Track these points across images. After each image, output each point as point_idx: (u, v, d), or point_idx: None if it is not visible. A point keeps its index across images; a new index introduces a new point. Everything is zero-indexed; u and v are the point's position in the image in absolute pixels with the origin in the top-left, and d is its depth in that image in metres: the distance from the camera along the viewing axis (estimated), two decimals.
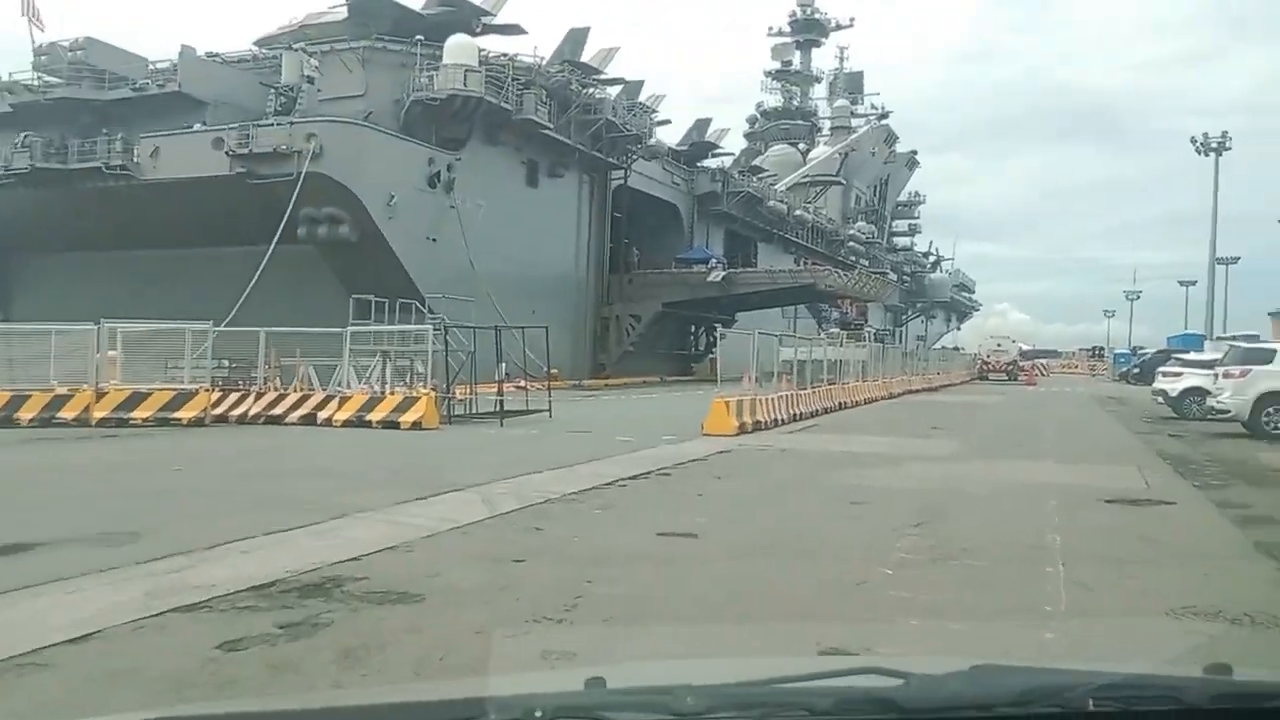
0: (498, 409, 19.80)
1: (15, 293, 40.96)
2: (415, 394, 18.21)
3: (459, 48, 37.11)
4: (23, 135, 35.10)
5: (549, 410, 20.31)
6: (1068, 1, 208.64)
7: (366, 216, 34.49)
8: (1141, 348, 74.11)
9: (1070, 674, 1.73)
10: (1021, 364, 57.47)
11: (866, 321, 59.81)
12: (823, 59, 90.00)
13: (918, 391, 36.29)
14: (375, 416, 17.98)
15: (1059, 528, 8.48)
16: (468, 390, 20.52)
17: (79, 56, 36.08)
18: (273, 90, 35.29)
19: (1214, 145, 61.40)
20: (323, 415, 18.42)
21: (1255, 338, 34.90)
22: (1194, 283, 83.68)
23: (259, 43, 40.89)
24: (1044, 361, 67.32)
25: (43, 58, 36.23)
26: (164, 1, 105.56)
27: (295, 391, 19.48)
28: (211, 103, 36.61)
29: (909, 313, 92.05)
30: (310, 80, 35.19)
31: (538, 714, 1.44)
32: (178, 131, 34.99)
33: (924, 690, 1.57)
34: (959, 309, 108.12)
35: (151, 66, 37.86)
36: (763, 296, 47.30)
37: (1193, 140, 62.12)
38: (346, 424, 18.05)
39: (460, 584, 6.17)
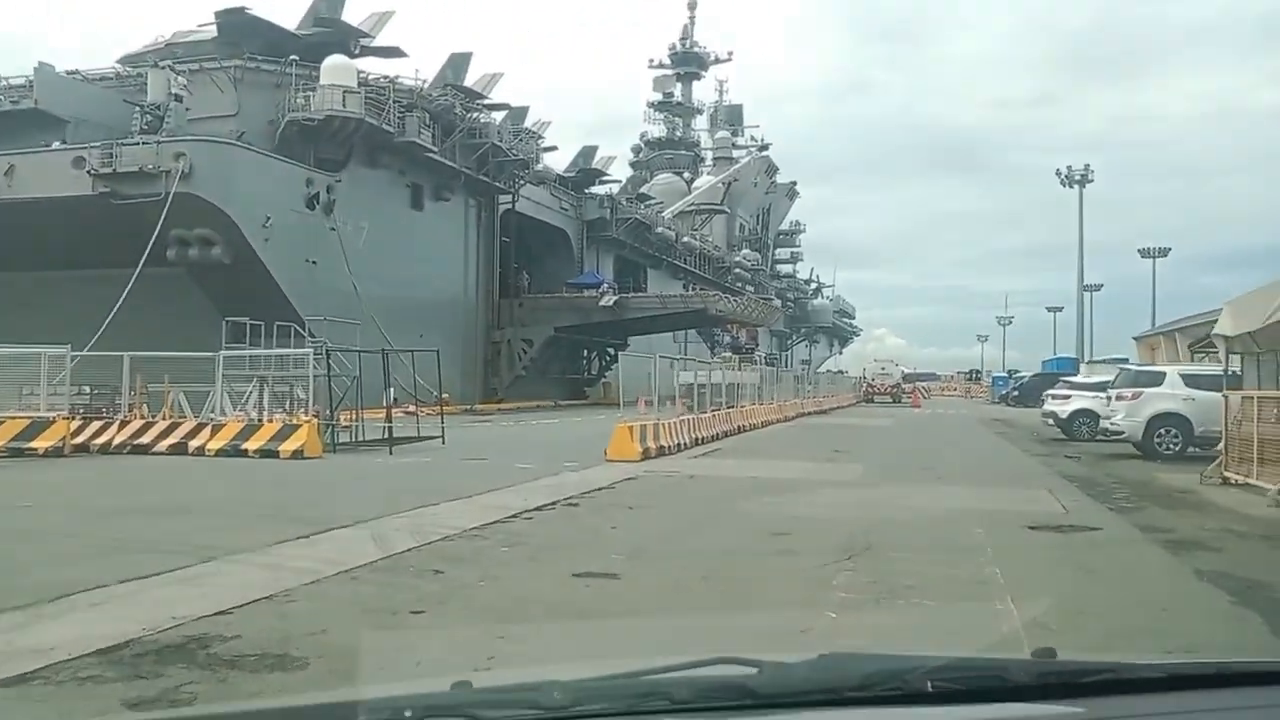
0: (386, 436, 18.57)
1: None
2: (295, 421, 16.85)
3: (336, 68, 35.69)
4: None
5: (442, 436, 19.15)
6: (937, 39, 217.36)
7: (241, 238, 32.65)
8: (1017, 371, 76.75)
9: (909, 659, 1.75)
10: (904, 386, 58.59)
11: (757, 346, 60.08)
12: (703, 91, 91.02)
13: (810, 414, 36.25)
14: (252, 445, 16.56)
15: (993, 559, 7.95)
16: (353, 417, 19.23)
17: None
18: (138, 109, 33.18)
19: (1077, 178, 64.46)
20: (194, 444, 16.88)
21: (1124, 360, 36.18)
22: (1061, 309, 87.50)
23: (123, 61, 38.55)
24: (924, 384, 68.87)
25: None
26: (22, 20, 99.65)
27: (164, 419, 17.87)
28: (72, 121, 34.26)
29: (793, 338, 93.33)
30: (178, 98, 33.21)
31: (407, 714, 1.45)
32: (35, 150, 32.54)
33: (776, 677, 1.65)
34: (840, 334, 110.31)
35: (4, 83, 35.19)
36: (654, 321, 46.87)
37: (1058, 173, 64.70)
38: (220, 453, 16.58)
39: (349, 644, 5.19)
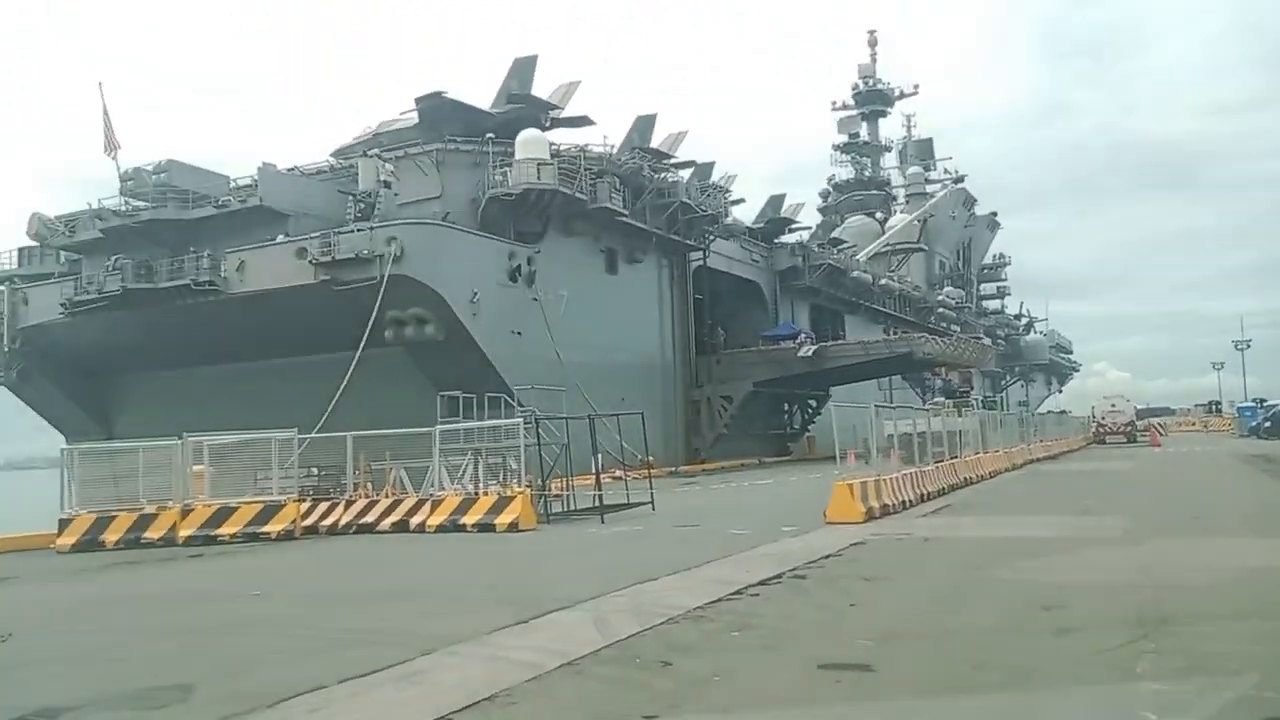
0: (596, 504, 18.24)
1: (116, 413, 41.16)
2: (510, 493, 16.77)
3: (530, 142, 36.77)
4: (113, 258, 35.50)
5: (651, 502, 18.64)
6: (1128, 54, 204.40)
7: (451, 315, 33.85)
8: (1266, 400, 69.45)
9: None
10: (1138, 424, 53.89)
11: (972, 389, 56.98)
12: (890, 128, 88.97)
13: (1039, 460, 33.64)
14: (469, 519, 16.58)
15: None
16: (563, 485, 19.05)
17: (163, 179, 36.57)
18: (351, 198, 35.20)
19: None
20: (415, 520, 17.09)
21: None
22: None
23: (335, 154, 41.24)
24: (1159, 420, 63.24)
25: (129, 183, 36.83)
26: (242, 124, 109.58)
27: (386, 497, 18.23)
28: (292, 214, 36.71)
29: (1007, 378, 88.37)
30: (387, 185, 35.04)
31: None
32: (262, 244, 35.05)
33: None
34: (1058, 371, 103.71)
35: (233, 184, 38.26)
36: (856, 369, 45.26)
37: None
38: (440, 529, 16.68)
39: None
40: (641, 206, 42.01)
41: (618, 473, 36.66)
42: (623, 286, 42.08)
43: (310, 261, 33.57)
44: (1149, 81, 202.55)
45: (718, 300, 50.46)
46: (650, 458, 40.47)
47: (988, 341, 68.31)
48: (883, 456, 19.11)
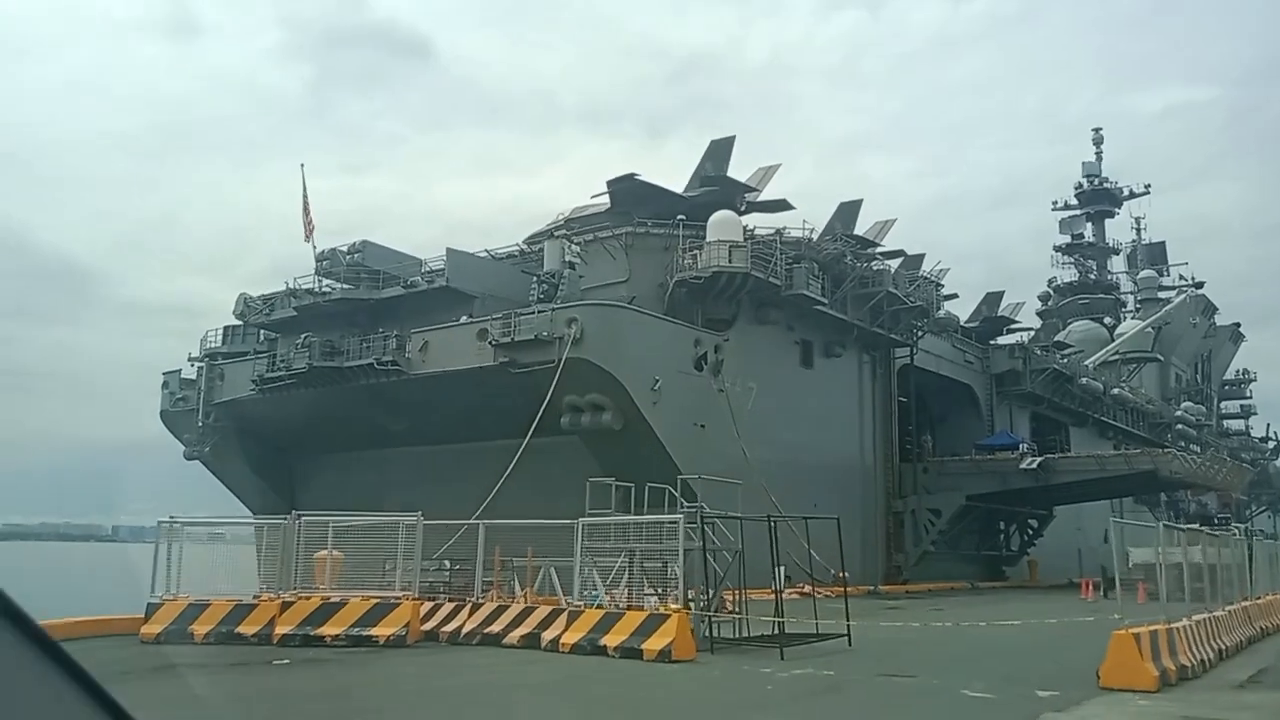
0: (775, 631, 14.26)
1: (301, 491, 40.51)
2: (664, 609, 13.09)
3: (722, 223, 33.94)
4: (303, 336, 34.98)
5: (847, 634, 14.43)
6: None
7: (630, 402, 31.00)
8: None
9: None
10: None
11: (1234, 515, 48.68)
12: (1116, 230, 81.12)
13: None
14: (612, 641, 12.99)
15: None
16: (734, 599, 15.20)
17: (356, 259, 36.12)
18: (535, 279, 33.34)
19: None
20: (548, 636, 13.67)
21: None
22: None
23: (528, 241, 39.91)
24: None
25: (324, 263, 36.57)
26: (445, 217, 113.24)
27: (520, 601, 14.96)
28: (479, 296, 35.27)
29: (1253, 506, 76.78)
30: (571, 266, 33.01)
31: None
32: (445, 325, 33.61)
33: None
34: None
35: (426, 267, 37.39)
36: (1088, 486, 38.94)
37: None
38: (576, 648, 13.17)
39: None
40: (842, 296, 38.19)
41: (805, 588, 32.29)
42: (819, 381, 38.06)
43: (490, 343, 31.72)
44: None
45: (925, 403, 45.42)
46: (845, 574, 35.84)
47: (1246, 462, 59.06)
48: (1175, 597, 14.28)
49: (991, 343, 49.51)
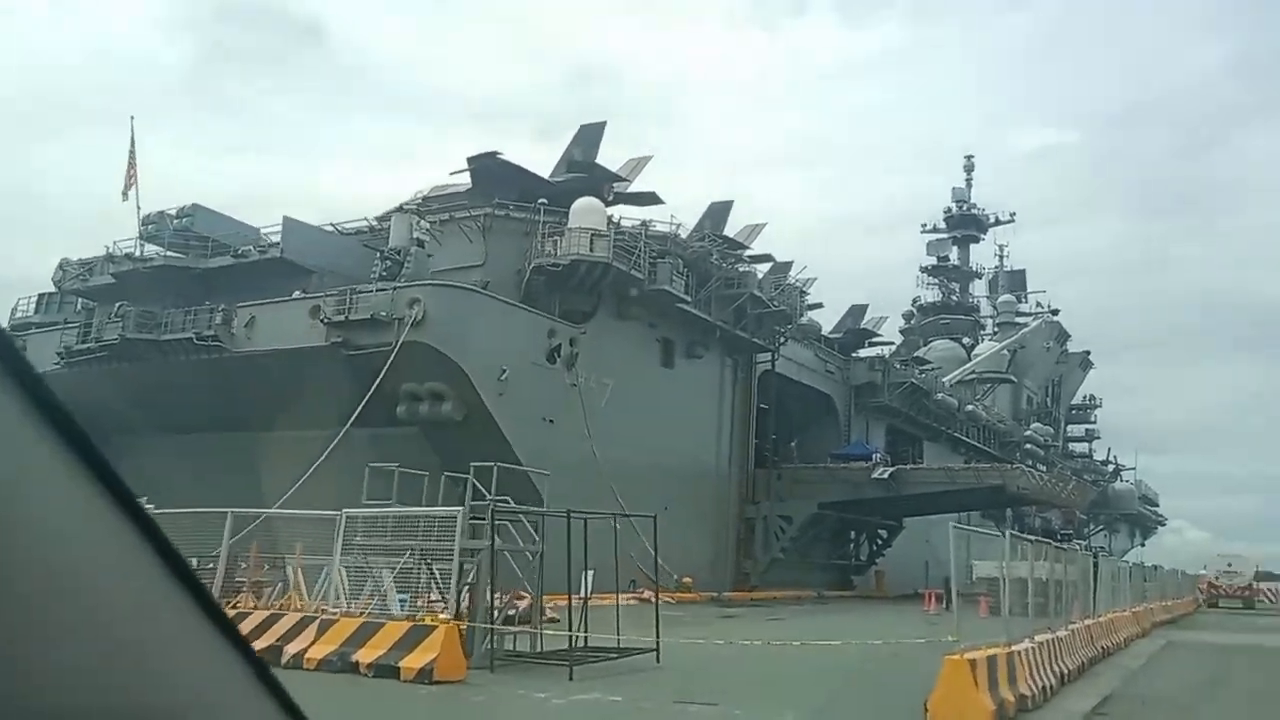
0: (571, 645, 12.07)
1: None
2: (430, 619, 10.72)
3: (585, 210, 31.78)
4: (117, 305, 31.13)
5: (656, 650, 12.31)
6: (1233, 210, 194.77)
7: (473, 392, 28.50)
8: None
9: None
10: (1258, 587, 45.31)
11: (1075, 532, 49.12)
12: (980, 255, 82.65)
13: (1161, 624, 26.22)
14: (365, 656, 10.55)
15: None
16: (532, 612, 12.93)
17: (184, 224, 32.47)
18: (378, 254, 30.48)
19: None
20: (292, 649, 11.10)
21: None
22: None
23: (381, 218, 36.87)
24: (1272, 585, 54.00)
25: (149, 226, 32.76)
26: (300, 185, 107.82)
27: (269, 608, 12.35)
28: (316, 271, 32.18)
29: (1091, 525, 79.04)
30: (420, 244, 30.27)
31: None
32: (275, 300, 30.35)
33: None
34: (1143, 523, 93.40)
35: (263, 236, 33.99)
36: (938, 499, 38.27)
37: None
38: (323, 665, 10.68)
39: None
40: (706, 296, 36.50)
41: (645, 594, 30.33)
42: (678, 382, 36.23)
43: (323, 321, 28.74)
44: (1248, 240, 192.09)
45: (784, 410, 44.25)
46: (688, 579, 34.10)
47: (1089, 481, 60.25)
48: (1017, 614, 12.74)
49: (854, 355, 48.84)
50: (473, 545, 11.55)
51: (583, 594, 13.40)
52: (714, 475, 38.73)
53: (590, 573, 13.62)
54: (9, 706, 0.75)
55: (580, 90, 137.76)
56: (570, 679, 10.65)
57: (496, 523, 12.95)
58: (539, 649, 12.33)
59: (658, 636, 12.27)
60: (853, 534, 46.17)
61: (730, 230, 39.91)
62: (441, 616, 10.68)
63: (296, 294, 30.47)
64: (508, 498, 13.79)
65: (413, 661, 10.20)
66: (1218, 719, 9.82)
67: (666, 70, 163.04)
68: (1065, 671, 11.98)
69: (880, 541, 46.26)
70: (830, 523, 42.34)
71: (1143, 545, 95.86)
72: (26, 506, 0.82)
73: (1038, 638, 11.26)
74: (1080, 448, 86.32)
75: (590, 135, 34.84)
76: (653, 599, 29.58)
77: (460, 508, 11.81)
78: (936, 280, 77.90)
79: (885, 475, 38.04)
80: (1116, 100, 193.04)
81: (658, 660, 12.12)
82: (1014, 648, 9.86)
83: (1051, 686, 10.76)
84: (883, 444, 47.78)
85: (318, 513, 12.55)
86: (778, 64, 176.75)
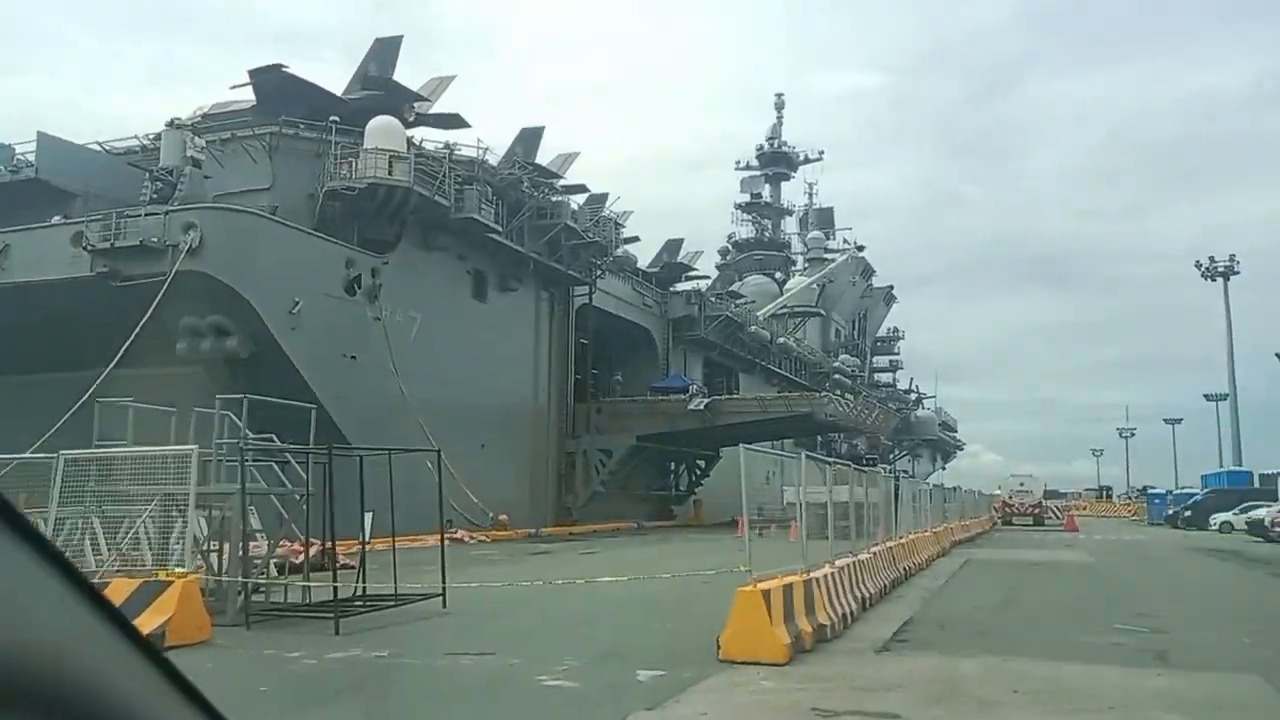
0: (346, 595, 10.76)
1: None
2: (166, 574, 9.14)
3: (382, 130, 29.43)
4: None
5: (443, 595, 11.17)
6: (1019, 153, 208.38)
7: (262, 326, 26.06)
8: (1152, 486, 66.19)
9: None
10: (1046, 505, 48.68)
11: (880, 457, 51.09)
12: (791, 193, 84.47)
13: (961, 543, 27.35)
14: None
15: None
16: (300, 555, 11.51)
17: None
18: (148, 175, 27.25)
19: (1221, 269, 55.34)
20: None
21: None
22: (1180, 420, 77.07)
23: (156, 138, 33.10)
24: (1058, 503, 58.45)
25: None
26: (75, 109, 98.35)
27: None
28: (81, 195, 28.60)
29: (896, 451, 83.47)
30: (195, 163, 27.19)
31: None
32: (32, 227, 26.71)
33: None
34: (943, 448, 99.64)
35: (17, 155, 29.86)
36: (752, 428, 38.61)
37: (1197, 264, 56.29)
38: None
39: None
40: (519, 226, 34.97)
41: (459, 534, 29.13)
42: (492, 316, 34.70)
43: (86, 248, 25.50)
44: (1034, 182, 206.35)
45: (603, 345, 43.57)
46: (503, 516, 33.13)
47: (893, 408, 63.03)
48: (775, 528, 12.43)
49: (670, 289, 48.60)
50: (219, 490, 9.97)
51: (361, 538, 12.04)
52: (532, 411, 37.69)
53: (369, 515, 12.27)
54: None
55: (388, 12, 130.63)
56: (336, 633, 9.37)
57: (260, 463, 11.41)
58: (310, 601, 10.95)
59: (444, 582, 11.11)
60: (672, 465, 46.40)
61: (542, 160, 38.32)
62: (178, 571, 9.12)
63: (56, 219, 26.99)
64: (272, 435, 12.21)
65: (142, 624, 8.65)
66: (1008, 639, 9.61)
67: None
68: (867, 596, 11.70)
69: (699, 472, 46.69)
70: (650, 455, 42.26)
71: (943, 469, 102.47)
72: None
73: (839, 562, 10.84)
74: (885, 378, 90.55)
75: (387, 50, 32.27)
76: (466, 539, 28.53)
77: (193, 446, 10.16)
78: (750, 217, 79.05)
79: (701, 407, 38.08)
80: (914, 48, 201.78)
81: (444, 606, 11.00)
82: (813, 574, 9.32)
83: (852, 613, 10.37)
84: (700, 377, 48.05)
85: (28, 456, 10.58)
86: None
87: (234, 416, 11.77)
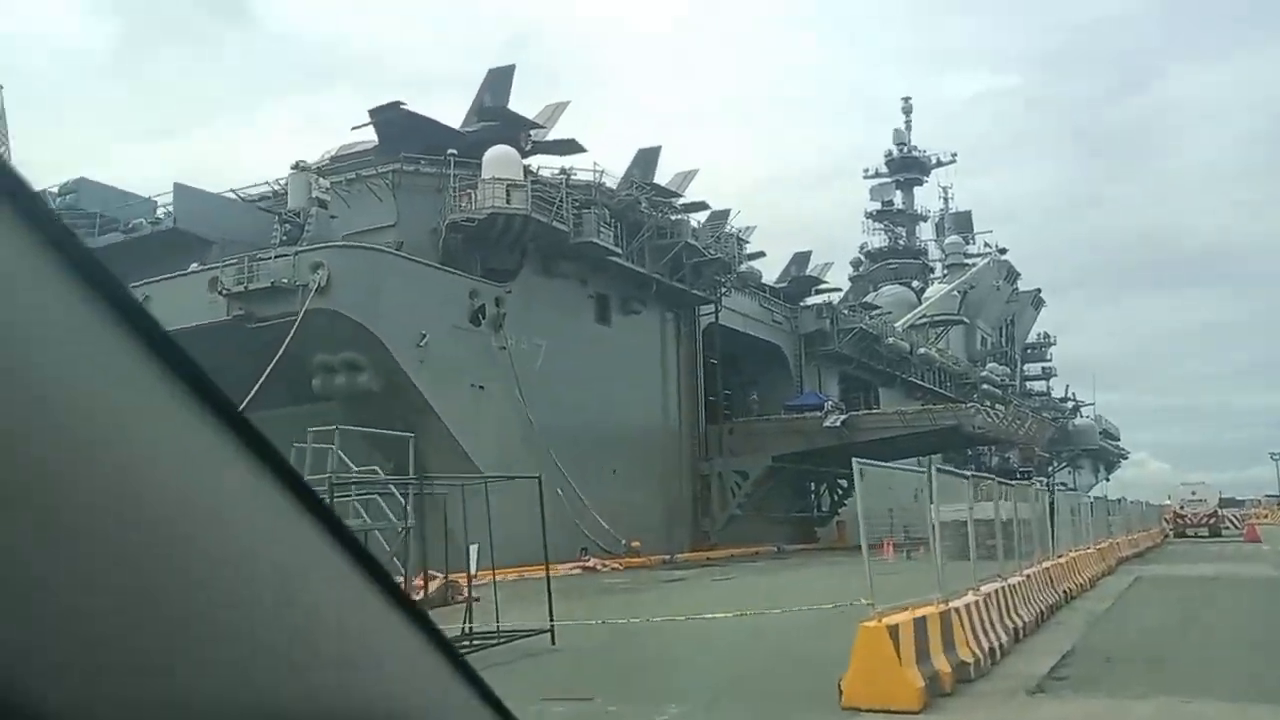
0: (466, 624, 10.26)
1: None
2: None
3: (499, 159, 29.64)
4: None
5: (551, 631, 10.52)
6: (1163, 149, 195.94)
7: (390, 360, 26.47)
8: None
9: None
10: (1223, 514, 44.64)
11: (1036, 469, 48.08)
12: (925, 198, 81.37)
13: (1129, 559, 25.02)
14: None
15: None
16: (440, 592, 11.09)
17: (69, 201, 29.82)
18: (277, 218, 28.17)
19: None
20: None
21: None
22: None
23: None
24: (1232, 512, 53.63)
25: None
26: (228, 165, 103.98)
27: None
28: (216, 242, 29.83)
29: (1055, 462, 78.73)
30: (322, 204, 27.99)
31: None
32: (171, 275, 27.97)
33: None
34: (1106, 458, 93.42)
35: (159, 208, 31.45)
36: (894, 443, 36.83)
37: None
38: None
39: None
40: (639, 247, 34.57)
41: (590, 562, 28.69)
42: (617, 340, 34.37)
43: (221, 293, 26.46)
44: (1181, 179, 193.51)
45: (733, 364, 42.61)
46: (637, 542, 32.49)
47: (1048, 417, 59.44)
48: (922, 551, 11.18)
49: (801, 304, 47.24)
50: None
51: (467, 571, 11.55)
52: (662, 434, 37.09)
53: (474, 547, 11.78)
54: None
55: (513, 53, 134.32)
56: None
57: (364, 497, 11.09)
58: None
59: (550, 616, 10.45)
60: (812, 486, 44.84)
61: (660, 179, 37.90)
62: None
63: (194, 267, 28.16)
64: (375, 468, 11.90)
65: None
66: (1187, 673, 8.19)
67: (593, 28, 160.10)
68: (1021, 625, 10.38)
69: (840, 491, 44.96)
70: (788, 475, 40.93)
71: (1107, 480, 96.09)
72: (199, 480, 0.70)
73: (984, 589, 9.61)
74: (1038, 386, 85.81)
75: (500, 79, 32.61)
76: (598, 566, 27.97)
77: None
78: (882, 225, 76.57)
79: (838, 423, 36.61)
80: (1045, 45, 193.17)
81: (552, 642, 10.34)
82: (952, 604, 8.18)
83: (1002, 646, 9.12)
84: (836, 393, 46.43)
85: None
86: (701, 18, 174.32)
87: (341, 453, 11.51)
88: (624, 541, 30.84)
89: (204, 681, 0.64)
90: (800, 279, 48.05)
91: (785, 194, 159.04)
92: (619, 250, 32.94)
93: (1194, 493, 45.27)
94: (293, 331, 24.89)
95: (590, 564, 27.17)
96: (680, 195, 38.32)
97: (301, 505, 0.77)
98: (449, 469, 19.84)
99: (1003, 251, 77.95)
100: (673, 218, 36.50)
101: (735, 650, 9.94)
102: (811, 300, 48.12)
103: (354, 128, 31.96)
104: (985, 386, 63.58)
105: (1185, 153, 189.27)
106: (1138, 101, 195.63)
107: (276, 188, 32.50)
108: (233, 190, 32.19)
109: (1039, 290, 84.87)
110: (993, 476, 15.13)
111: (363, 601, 0.82)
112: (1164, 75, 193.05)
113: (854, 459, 8.15)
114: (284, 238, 27.52)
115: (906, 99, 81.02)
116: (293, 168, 28.79)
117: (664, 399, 37.47)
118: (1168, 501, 46.21)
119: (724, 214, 40.98)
